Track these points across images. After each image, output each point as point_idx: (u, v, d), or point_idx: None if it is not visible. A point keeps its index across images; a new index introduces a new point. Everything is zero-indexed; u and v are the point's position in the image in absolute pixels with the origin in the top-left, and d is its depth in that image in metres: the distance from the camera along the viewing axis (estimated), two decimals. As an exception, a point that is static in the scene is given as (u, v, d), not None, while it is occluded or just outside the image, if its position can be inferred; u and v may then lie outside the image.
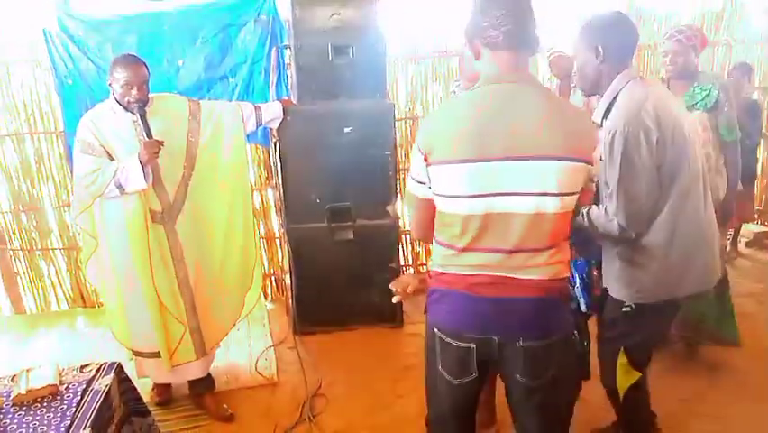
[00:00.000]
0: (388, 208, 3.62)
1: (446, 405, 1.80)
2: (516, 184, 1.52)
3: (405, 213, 4.51)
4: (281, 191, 3.57)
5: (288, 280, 3.78)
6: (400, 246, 4.16)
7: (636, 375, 2.27)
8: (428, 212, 1.67)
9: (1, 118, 3.91)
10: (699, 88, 2.92)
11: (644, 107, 1.92)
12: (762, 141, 4.77)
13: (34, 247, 4.17)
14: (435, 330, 1.70)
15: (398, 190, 3.98)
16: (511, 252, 1.57)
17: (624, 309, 2.16)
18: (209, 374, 2.98)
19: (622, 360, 2.24)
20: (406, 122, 4.44)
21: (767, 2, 4.74)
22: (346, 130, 3.44)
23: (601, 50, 1.99)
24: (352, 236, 3.59)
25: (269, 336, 3.70)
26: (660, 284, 2.09)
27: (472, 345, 1.65)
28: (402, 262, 4.31)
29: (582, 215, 2.05)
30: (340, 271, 3.60)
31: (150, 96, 2.64)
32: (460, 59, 3.70)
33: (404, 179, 4.48)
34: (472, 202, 1.55)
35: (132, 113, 2.58)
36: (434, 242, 1.71)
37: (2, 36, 3.80)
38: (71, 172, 3.85)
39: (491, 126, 1.52)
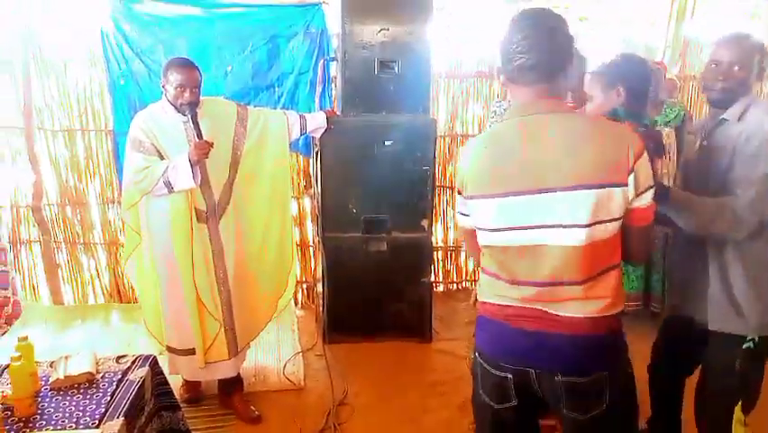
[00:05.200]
0: (423, 223, 3.63)
1: (488, 427, 1.78)
2: (546, 217, 1.49)
3: (439, 229, 4.55)
4: (319, 200, 3.62)
5: (319, 288, 3.81)
6: (432, 262, 4.17)
7: (749, 431, 2.06)
8: (472, 240, 1.69)
9: (55, 114, 4.05)
10: (670, 109, 3.67)
11: None
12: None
13: (77, 240, 4.28)
14: (477, 355, 1.71)
15: (435, 206, 4.01)
16: (545, 285, 1.54)
17: (745, 345, 2.00)
18: (239, 375, 3.02)
19: (739, 415, 2.04)
20: (445, 139, 4.46)
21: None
22: (387, 143, 3.48)
23: (765, 66, 2.01)
24: (385, 248, 3.62)
25: (297, 343, 3.73)
26: None
27: (509, 376, 1.63)
28: (432, 279, 4.31)
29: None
30: (372, 283, 3.62)
31: (200, 98, 2.71)
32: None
33: (440, 195, 4.51)
34: (505, 235, 1.55)
35: (184, 114, 2.65)
36: (480, 270, 1.72)
37: (61, 35, 3.95)
38: (116, 170, 3.98)
39: (517, 160, 1.51)
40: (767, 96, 4.75)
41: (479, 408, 1.77)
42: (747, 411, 2.07)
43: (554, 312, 1.54)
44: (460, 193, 1.65)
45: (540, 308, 1.56)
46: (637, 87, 2.13)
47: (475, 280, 4.77)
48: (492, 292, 1.64)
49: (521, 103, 1.56)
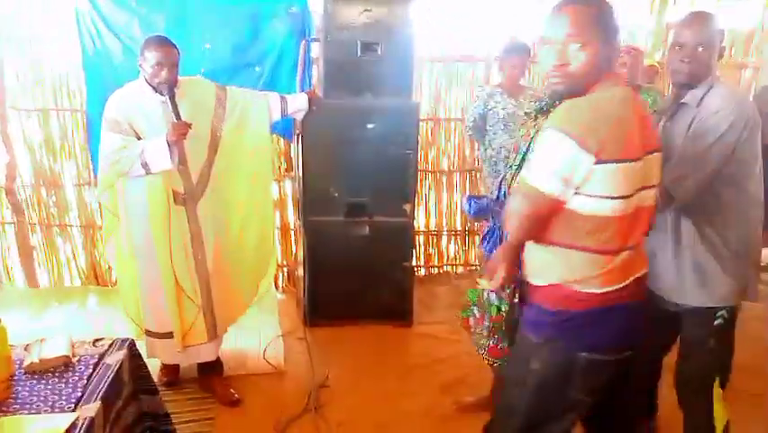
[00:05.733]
0: (405, 207, 3.62)
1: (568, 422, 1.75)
2: (647, 179, 1.59)
3: (421, 213, 4.54)
4: (300, 183, 3.59)
5: (300, 272, 3.79)
6: (414, 246, 4.16)
7: (727, 405, 2.10)
8: (549, 212, 1.56)
9: (29, 94, 3.95)
10: (646, 94, 3.47)
11: (747, 99, 2.08)
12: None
13: (52, 222, 4.20)
14: (585, 354, 1.62)
15: (417, 190, 4.00)
16: (639, 244, 1.63)
17: (716, 322, 2.05)
18: (218, 358, 3.00)
19: (717, 390, 2.08)
20: (428, 123, 4.44)
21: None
22: (369, 126, 3.45)
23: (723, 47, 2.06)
24: (367, 232, 3.61)
25: (278, 326, 3.72)
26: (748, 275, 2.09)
27: (626, 354, 1.67)
28: (414, 263, 4.31)
29: None
30: (353, 267, 3.61)
31: (178, 78, 2.66)
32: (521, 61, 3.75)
33: (423, 179, 4.49)
34: (628, 201, 1.54)
35: (161, 94, 2.60)
36: (565, 253, 1.60)
37: (34, 12, 3.84)
38: (90, 150, 3.90)
39: (636, 125, 1.54)
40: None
41: (563, 410, 1.70)
42: (723, 386, 2.12)
43: (643, 273, 1.67)
44: (597, 155, 1.46)
45: (641, 272, 1.65)
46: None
47: (457, 264, 4.79)
48: (602, 270, 1.57)
49: (605, 77, 1.58)
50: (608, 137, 1.47)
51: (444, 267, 4.79)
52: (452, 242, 4.78)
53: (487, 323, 2.41)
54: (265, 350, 3.39)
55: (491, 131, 4.02)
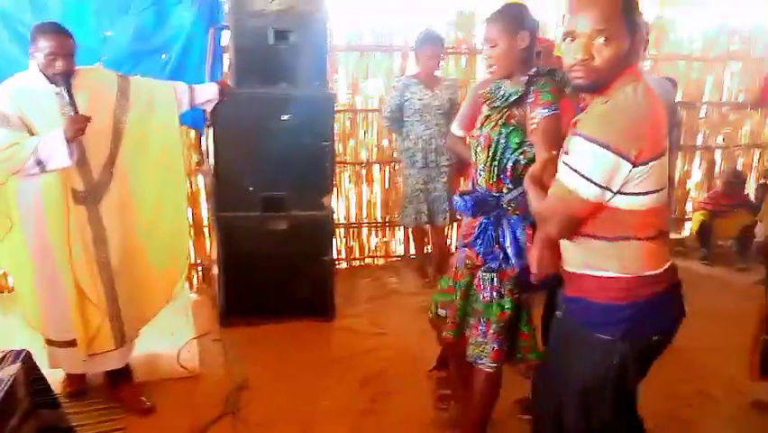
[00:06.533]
0: (324, 200, 3.55)
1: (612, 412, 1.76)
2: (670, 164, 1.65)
3: (341, 205, 4.50)
4: (213, 177, 3.45)
5: (215, 270, 3.65)
6: (334, 239, 4.10)
7: None
8: (589, 213, 1.60)
9: None
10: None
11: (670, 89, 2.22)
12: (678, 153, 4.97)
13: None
14: (656, 338, 1.70)
15: (336, 183, 3.94)
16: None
17: None
18: (127, 365, 2.83)
19: None
20: (345, 114, 4.39)
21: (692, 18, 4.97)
22: (283, 117, 3.35)
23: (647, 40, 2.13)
24: (285, 227, 3.50)
25: (192, 328, 3.56)
26: None
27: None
28: (335, 256, 4.26)
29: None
30: (271, 263, 3.50)
31: (75, 68, 2.48)
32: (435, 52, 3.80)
33: (341, 171, 4.44)
34: (664, 192, 1.62)
35: (57, 85, 2.42)
36: (629, 243, 1.63)
37: None
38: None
39: (660, 117, 1.58)
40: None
41: (633, 393, 1.79)
42: None
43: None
44: (635, 159, 1.50)
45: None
46: (536, 33, 2.11)
47: (378, 256, 4.78)
48: (659, 255, 1.66)
49: (626, 72, 1.57)
50: (644, 140, 1.51)
51: (366, 259, 4.77)
52: (373, 234, 4.76)
53: (483, 328, 2.21)
54: (179, 353, 3.24)
55: (408, 122, 4.03)
